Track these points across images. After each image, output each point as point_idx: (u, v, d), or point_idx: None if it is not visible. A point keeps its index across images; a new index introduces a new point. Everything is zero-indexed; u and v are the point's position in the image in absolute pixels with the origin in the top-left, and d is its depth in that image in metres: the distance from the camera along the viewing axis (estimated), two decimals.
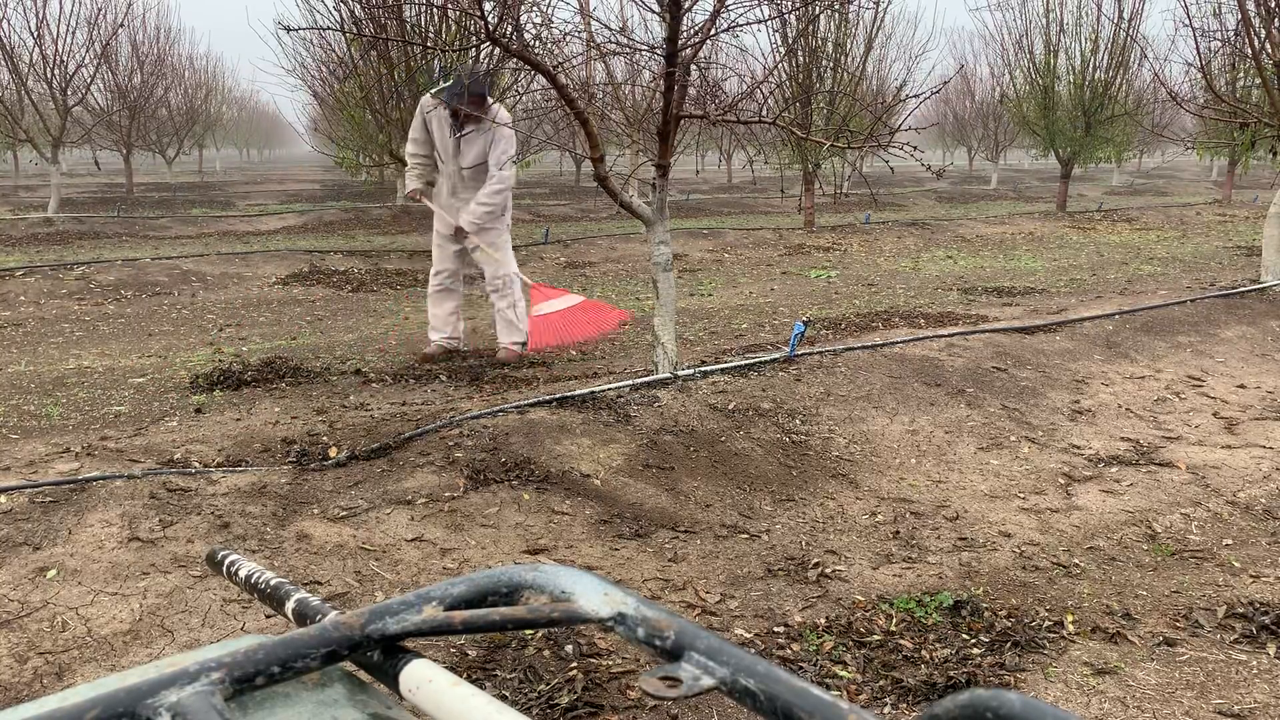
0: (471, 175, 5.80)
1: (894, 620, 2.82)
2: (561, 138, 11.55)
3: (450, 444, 3.78)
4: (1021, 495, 3.92)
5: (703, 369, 4.83)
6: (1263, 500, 3.89)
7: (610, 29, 4.61)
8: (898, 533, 3.52)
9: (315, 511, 3.25)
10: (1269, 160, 9.53)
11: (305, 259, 10.33)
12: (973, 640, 2.70)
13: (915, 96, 5.20)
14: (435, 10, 9.05)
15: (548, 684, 2.41)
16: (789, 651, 2.67)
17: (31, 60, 14.71)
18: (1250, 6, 7.57)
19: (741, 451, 4.07)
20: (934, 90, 4.87)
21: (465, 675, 2.41)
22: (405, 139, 10.64)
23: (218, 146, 36.94)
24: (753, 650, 2.21)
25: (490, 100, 5.78)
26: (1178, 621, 2.88)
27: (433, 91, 5.83)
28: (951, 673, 2.51)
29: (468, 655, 2.53)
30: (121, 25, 16.61)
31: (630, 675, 2.47)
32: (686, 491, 3.73)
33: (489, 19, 3.73)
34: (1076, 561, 3.31)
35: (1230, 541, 3.50)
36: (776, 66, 10.47)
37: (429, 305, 6.16)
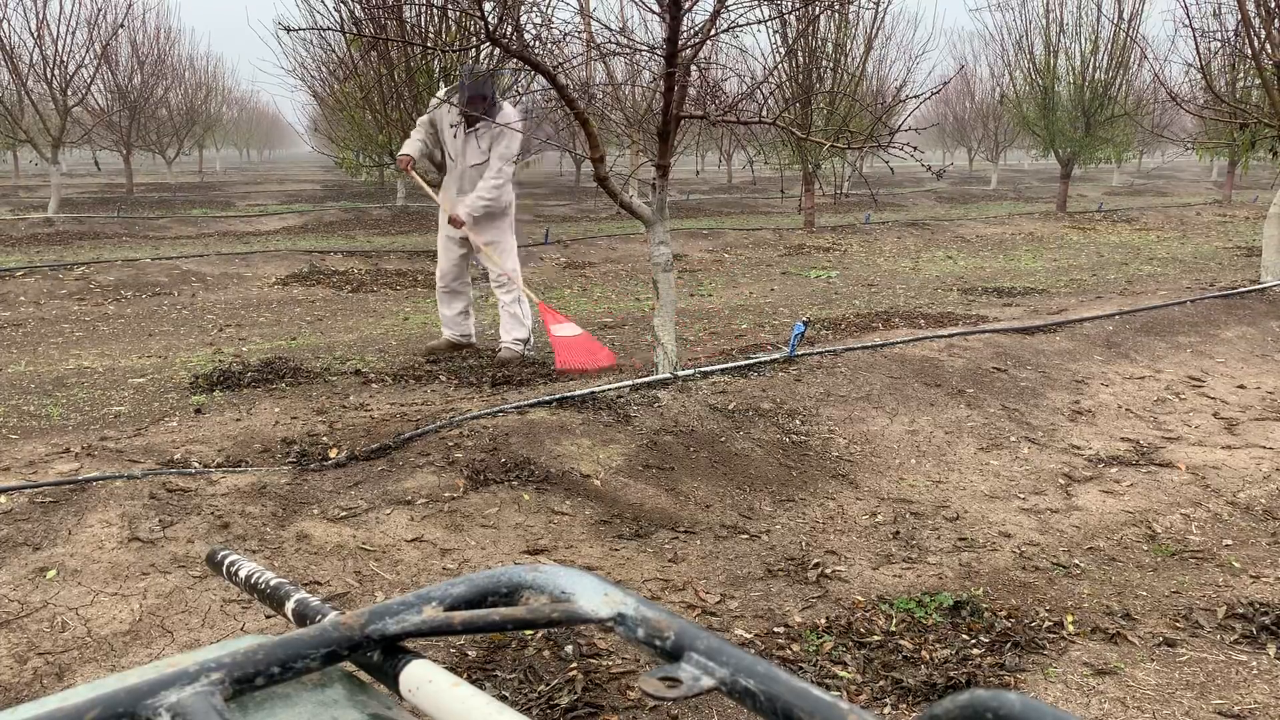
0: (477, 174, 5.83)
1: (894, 620, 2.82)
2: (562, 138, 11.54)
3: (450, 444, 3.78)
4: (1021, 495, 3.92)
5: (703, 369, 4.83)
6: (1263, 500, 3.89)
7: (610, 29, 4.61)
8: (898, 533, 3.52)
9: (315, 512, 3.25)
10: (1269, 160, 9.53)
11: (305, 259, 10.33)
12: (973, 641, 2.70)
13: (915, 97, 5.21)
14: (435, 10, 9.05)
15: (548, 684, 2.41)
16: (789, 652, 2.67)
17: (31, 60, 14.70)
18: (1250, 7, 7.57)
19: (741, 452, 4.07)
20: (934, 91, 4.88)
21: (465, 675, 2.41)
22: (405, 139, 10.68)
23: (218, 147, 36.90)
24: (753, 650, 2.21)
25: (495, 100, 5.78)
26: (1178, 622, 2.88)
27: (443, 93, 5.84)
28: (951, 673, 2.51)
29: (468, 655, 2.53)
30: (121, 25, 16.61)
31: (630, 675, 2.47)
32: (686, 492, 3.73)
33: (489, 19, 3.73)
34: (1076, 562, 3.31)
35: (1230, 542, 3.50)
36: (776, 67, 10.47)
37: (439, 306, 6.22)
